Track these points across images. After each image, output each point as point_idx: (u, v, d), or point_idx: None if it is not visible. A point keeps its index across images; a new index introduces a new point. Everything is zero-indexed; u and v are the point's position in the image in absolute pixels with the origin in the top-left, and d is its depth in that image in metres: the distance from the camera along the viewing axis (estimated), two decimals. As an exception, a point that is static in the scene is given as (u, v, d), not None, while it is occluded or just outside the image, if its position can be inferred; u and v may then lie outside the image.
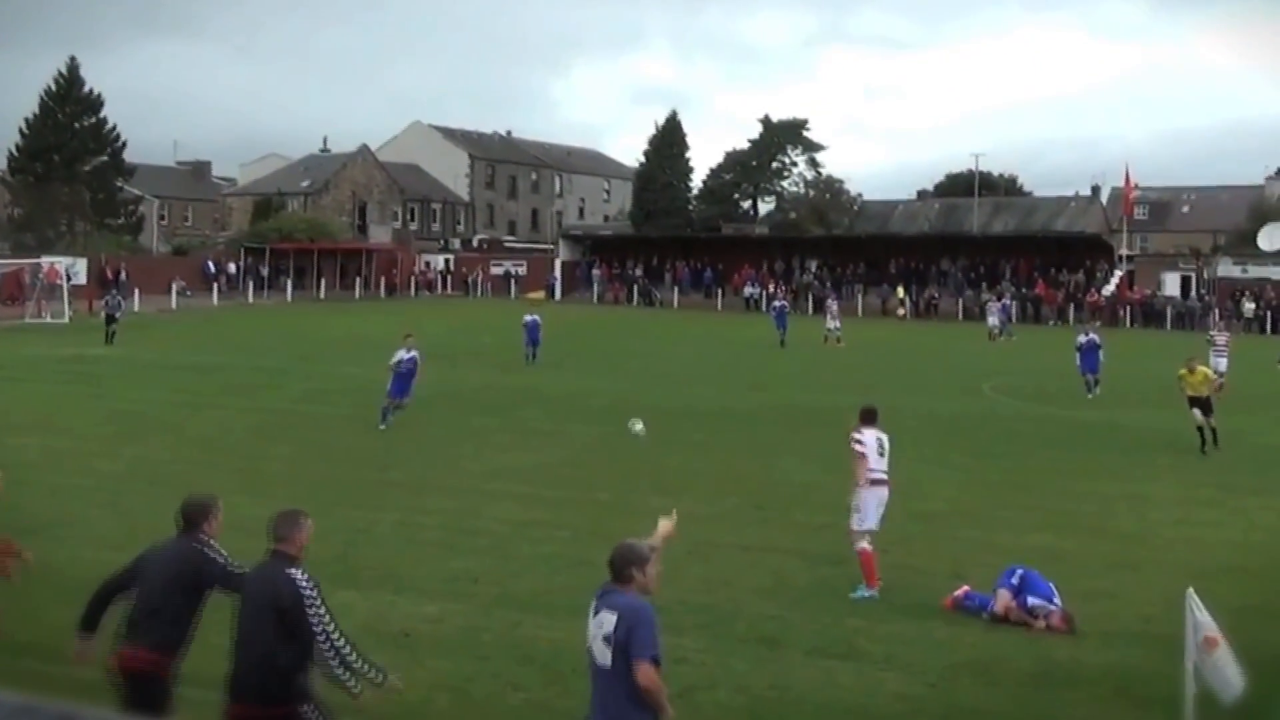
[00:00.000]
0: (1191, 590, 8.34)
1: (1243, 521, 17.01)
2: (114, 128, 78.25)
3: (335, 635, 7.28)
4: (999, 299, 58.85)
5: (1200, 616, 8.13)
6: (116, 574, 8.24)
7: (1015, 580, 12.23)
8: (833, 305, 50.79)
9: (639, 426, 17.20)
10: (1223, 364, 31.63)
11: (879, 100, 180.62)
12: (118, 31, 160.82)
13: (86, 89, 77.64)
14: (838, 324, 47.06)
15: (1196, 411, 22.77)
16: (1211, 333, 36.45)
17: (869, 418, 13.37)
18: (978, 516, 16.90)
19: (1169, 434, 25.01)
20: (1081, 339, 31.56)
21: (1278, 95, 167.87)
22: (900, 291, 69.35)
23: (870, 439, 13.13)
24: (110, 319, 40.44)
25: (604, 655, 6.56)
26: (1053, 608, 11.95)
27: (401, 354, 23.11)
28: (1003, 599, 12.11)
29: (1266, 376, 37.48)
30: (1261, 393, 33.11)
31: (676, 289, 75.13)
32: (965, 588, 12.55)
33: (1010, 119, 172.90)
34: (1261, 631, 11.71)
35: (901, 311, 67.47)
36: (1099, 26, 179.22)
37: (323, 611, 7.22)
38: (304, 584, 7.22)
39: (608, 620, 6.56)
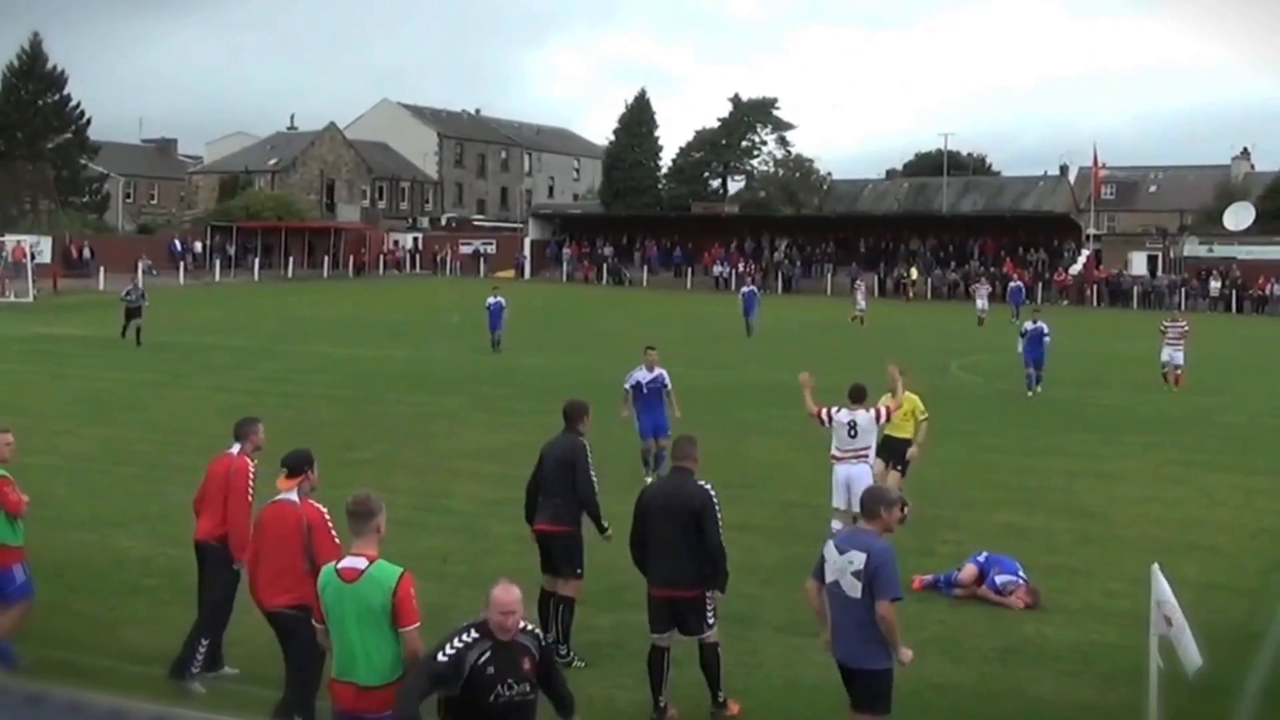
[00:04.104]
0: (1156, 566, 8.42)
1: (1207, 498, 17.18)
2: (78, 105, 77.37)
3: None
4: (985, 281, 58.73)
5: (1162, 594, 8.20)
6: (532, 475, 10.38)
7: (981, 559, 12.36)
8: (861, 285, 51.48)
9: None
10: (1179, 356, 29.03)
11: (850, 79, 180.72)
12: (81, 6, 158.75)
13: (50, 65, 76.54)
14: (864, 305, 48.10)
15: (894, 474, 14.81)
16: (1164, 323, 30.04)
17: (853, 396, 13.34)
18: (944, 495, 16.97)
19: (1134, 412, 25.26)
20: (1028, 325, 28.82)
21: (1245, 77, 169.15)
22: (913, 272, 69.31)
23: (842, 419, 13.14)
24: (132, 313, 34.02)
25: (854, 588, 7.53)
26: (1020, 581, 12.07)
27: (642, 375, 17.44)
28: (968, 570, 12.23)
29: (1230, 355, 37.83)
30: (1225, 371, 33.43)
31: (646, 268, 75.06)
32: (935, 574, 12.63)
33: (980, 100, 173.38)
34: (1225, 607, 11.87)
35: (912, 293, 67.77)
36: (1072, 6, 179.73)
37: (720, 517, 8.79)
38: (711, 491, 8.91)
39: (858, 558, 7.52)
